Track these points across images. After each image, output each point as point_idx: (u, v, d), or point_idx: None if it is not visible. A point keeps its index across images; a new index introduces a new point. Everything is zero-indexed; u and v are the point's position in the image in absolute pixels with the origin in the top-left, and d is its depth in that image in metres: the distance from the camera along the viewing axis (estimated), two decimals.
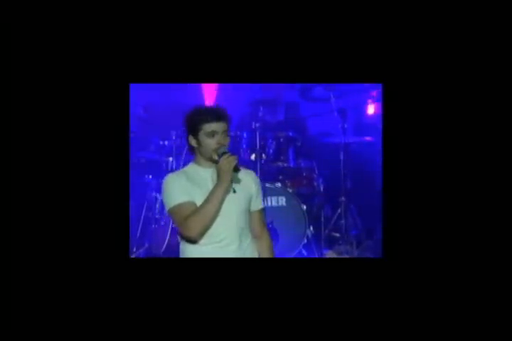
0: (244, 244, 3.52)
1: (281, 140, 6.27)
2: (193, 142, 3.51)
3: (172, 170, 6.23)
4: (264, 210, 3.74)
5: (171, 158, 6.30)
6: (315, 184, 6.31)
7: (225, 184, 3.40)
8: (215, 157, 3.46)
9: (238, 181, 3.53)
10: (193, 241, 3.46)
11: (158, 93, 6.55)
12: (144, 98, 6.41)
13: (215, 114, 3.46)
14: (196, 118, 3.47)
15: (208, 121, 3.44)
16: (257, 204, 3.66)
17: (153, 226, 6.15)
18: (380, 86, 6.24)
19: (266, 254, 3.66)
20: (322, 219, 6.26)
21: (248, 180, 3.61)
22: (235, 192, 3.50)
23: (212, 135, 3.45)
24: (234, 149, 5.93)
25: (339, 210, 6.31)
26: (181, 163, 6.10)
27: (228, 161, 3.40)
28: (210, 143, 3.46)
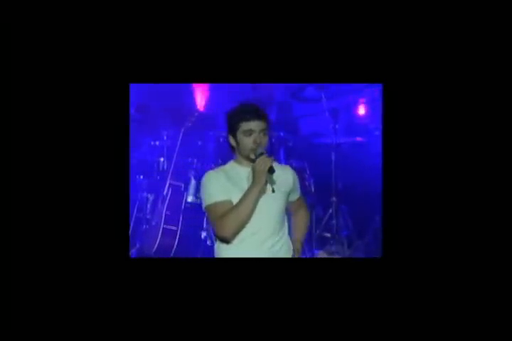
0: (282, 240, 3.51)
1: (273, 140, 6.27)
2: (232, 141, 3.51)
3: (163, 171, 6.25)
4: (301, 192, 3.76)
5: (162, 159, 6.29)
6: (306, 184, 6.31)
7: (259, 185, 3.38)
8: (253, 156, 3.45)
9: (277, 179, 3.50)
10: (226, 240, 3.44)
11: (150, 93, 6.52)
12: (135, 98, 6.37)
13: (253, 112, 3.45)
14: (234, 116, 3.47)
15: (245, 120, 3.43)
16: (295, 196, 3.68)
17: (144, 226, 6.14)
18: (373, 86, 6.35)
19: (299, 226, 3.74)
20: (313, 219, 6.26)
21: (286, 176, 3.59)
22: (274, 191, 3.48)
23: (250, 134, 3.44)
24: (225, 149, 5.91)
25: (330, 210, 6.32)
26: (172, 164, 6.09)
27: (264, 162, 3.38)
28: (248, 142, 3.45)
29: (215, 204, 3.43)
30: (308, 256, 5.92)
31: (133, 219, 6.16)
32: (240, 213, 3.37)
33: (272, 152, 6.24)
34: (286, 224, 3.59)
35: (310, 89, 6.65)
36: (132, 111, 6.28)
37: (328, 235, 6.32)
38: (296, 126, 7.09)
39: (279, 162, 6.23)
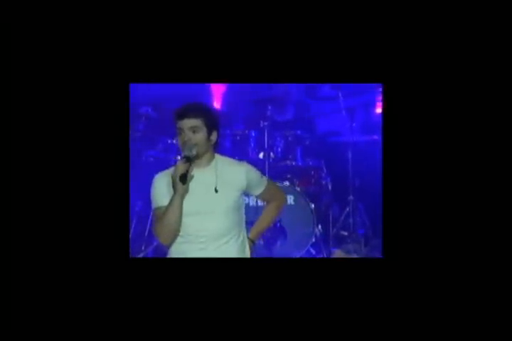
0: (234, 239, 3.44)
1: (290, 139, 6.27)
2: None
3: None
4: (270, 184, 3.61)
5: (178, 157, 6.30)
6: (323, 183, 6.32)
7: (177, 194, 3.30)
8: (184, 156, 3.35)
9: (223, 178, 3.42)
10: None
11: (166, 92, 6.56)
12: (152, 97, 6.43)
13: (181, 111, 3.39)
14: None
15: (177, 119, 3.38)
16: (259, 189, 3.55)
17: None
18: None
19: (259, 220, 3.64)
20: (330, 217, 6.27)
21: (236, 175, 3.46)
22: (216, 192, 3.39)
23: (179, 133, 3.37)
24: (242, 148, 5.96)
25: (347, 209, 6.31)
26: None
27: (177, 169, 3.30)
28: (178, 141, 3.39)
29: (157, 209, 3.43)
30: (325, 254, 5.93)
31: (150, 217, 6.18)
32: (166, 221, 3.33)
33: (288, 151, 6.27)
34: (242, 223, 3.51)
35: (326, 88, 6.66)
36: (149, 110, 6.33)
37: (345, 233, 6.31)
38: (312, 125, 7.06)
39: (296, 160, 6.27)
